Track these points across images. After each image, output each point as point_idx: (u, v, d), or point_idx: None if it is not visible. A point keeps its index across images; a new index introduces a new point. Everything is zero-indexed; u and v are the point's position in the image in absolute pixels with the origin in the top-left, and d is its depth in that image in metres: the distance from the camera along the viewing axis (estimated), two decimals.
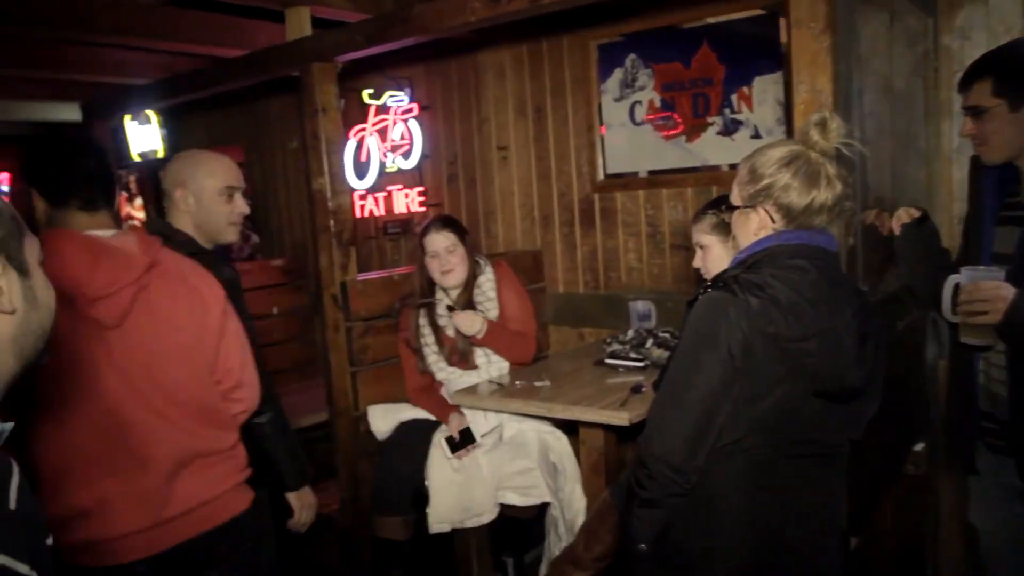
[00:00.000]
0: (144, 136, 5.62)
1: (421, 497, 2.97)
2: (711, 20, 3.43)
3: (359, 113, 4.58)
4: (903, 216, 2.24)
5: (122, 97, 4.57)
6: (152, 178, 5.56)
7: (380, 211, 4.68)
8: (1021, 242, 2.06)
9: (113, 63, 4.38)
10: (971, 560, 2.88)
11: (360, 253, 4.79)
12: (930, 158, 2.97)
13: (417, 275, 3.22)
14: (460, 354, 3.12)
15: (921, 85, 2.92)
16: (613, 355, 3.05)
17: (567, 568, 2.65)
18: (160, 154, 5.56)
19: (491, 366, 3.14)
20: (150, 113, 5.50)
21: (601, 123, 3.79)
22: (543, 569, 2.96)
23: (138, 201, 6.06)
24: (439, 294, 3.21)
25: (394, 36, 2.90)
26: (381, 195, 4.65)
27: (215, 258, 2.29)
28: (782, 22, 3.14)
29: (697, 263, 2.38)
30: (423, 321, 3.19)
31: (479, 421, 2.98)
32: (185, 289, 1.90)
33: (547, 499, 2.85)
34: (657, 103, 3.62)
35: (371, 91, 4.50)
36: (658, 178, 3.67)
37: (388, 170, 4.57)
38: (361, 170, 4.59)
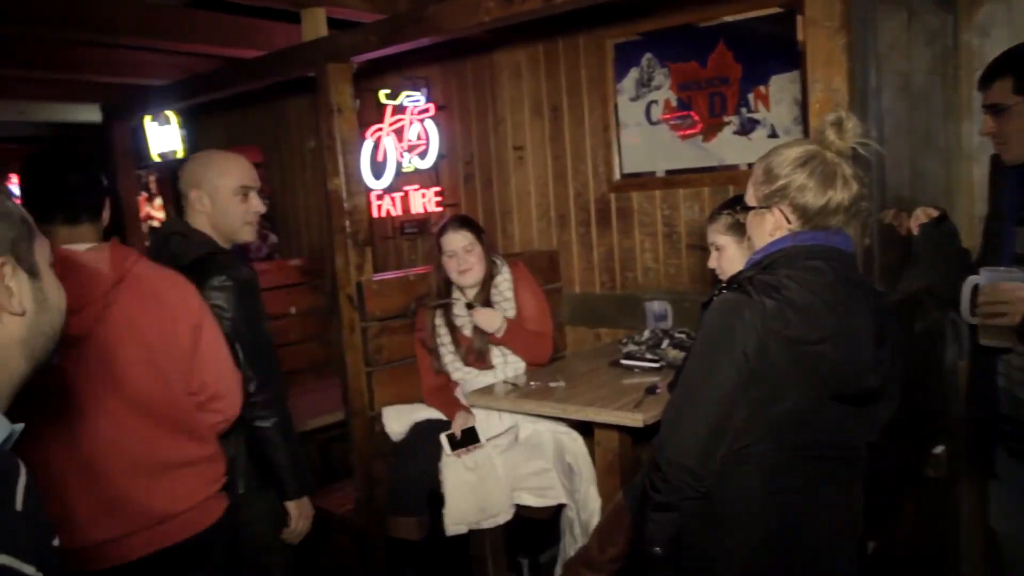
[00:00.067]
0: (164, 136, 5.67)
1: (436, 497, 2.97)
2: (728, 19, 3.40)
3: (376, 113, 4.59)
4: (921, 216, 2.21)
5: (141, 98, 4.61)
6: (172, 178, 5.60)
7: (397, 211, 4.69)
8: None
9: (132, 64, 4.42)
10: (991, 565, 2.84)
11: (377, 253, 4.81)
12: (950, 157, 2.93)
13: (434, 275, 3.23)
14: (477, 353, 3.12)
15: (940, 83, 2.89)
16: (628, 356, 3.04)
17: (581, 570, 2.64)
18: (180, 154, 5.61)
19: (507, 366, 3.14)
20: (170, 114, 5.54)
21: (617, 123, 3.78)
22: (558, 570, 2.95)
23: (158, 201, 6.11)
24: (455, 294, 3.21)
25: (408, 36, 2.91)
26: (398, 195, 4.65)
27: (233, 258, 2.30)
28: (799, 20, 3.11)
29: (712, 263, 2.37)
30: (439, 321, 3.19)
31: (494, 421, 2.98)
32: (155, 303, 1.91)
33: (563, 500, 2.85)
34: (673, 102, 3.60)
35: (388, 91, 4.51)
36: (674, 178, 3.65)
37: (405, 170, 4.57)
38: (378, 170, 4.60)
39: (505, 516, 2.88)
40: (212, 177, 2.32)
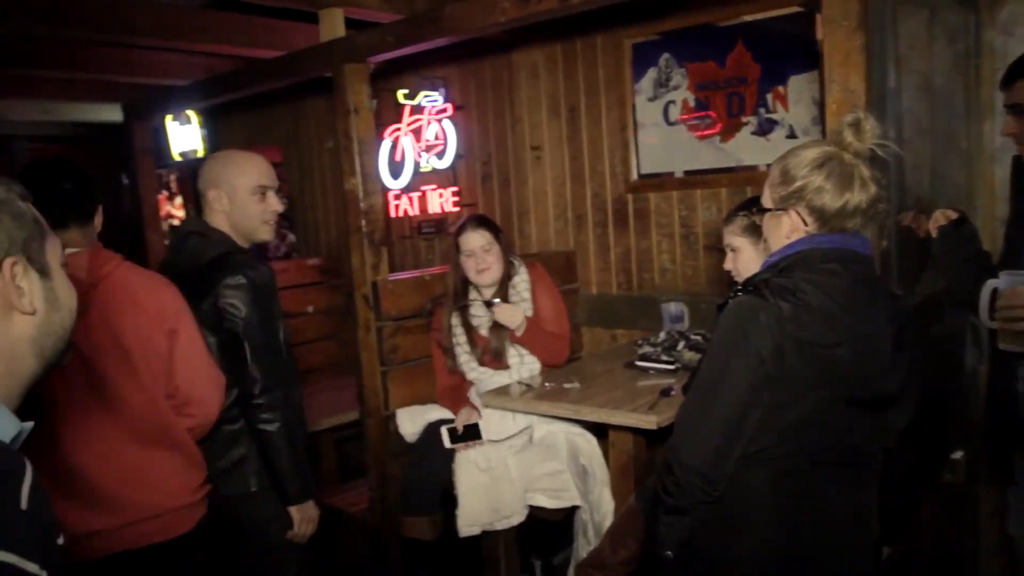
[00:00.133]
0: (185, 136, 5.72)
1: (449, 497, 2.98)
2: (747, 18, 3.38)
3: (394, 113, 4.60)
4: (940, 218, 2.18)
5: (161, 98, 4.65)
6: (192, 177, 5.65)
7: (414, 211, 4.70)
8: None
9: (153, 65, 4.46)
10: (1010, 572, 2.80)
11: (395, 253, 4.83)
12: (971, 158, 2.90)
13: (451, 274, 3.23)
14: (493, 353, 3.12)
15: (962, 83, 2.85)
16: (644, 357, 3.03)
17: (593, 572, 2.63)
18: (200, 153, 5.65)
19: (523, 367, 3.14)
20: (191, 113, 5.59)
21: (635, 123, 3.76)
22: (570, 573, 2.94)
23: (178, 200, 6.16)
24: (472, 294, 3.22)
25: (425, 37, 2.91)
26: (415, 195, 4.66)
27: (250, 257, 2.31)
28: (818, 19, 3.08)
29: (728, 265, 2.35)
30: (455, 321, 3.20)
31: (508, 422, 2.97)
32: (131, 307, 1.94)
33: (577, 502, 2.84)
34: (691, 103, 3.59)
35: (406, 91, 4.52)
36: (692, 178, 3.63)
37: (422, 170, 4.58)
38: (396, 170, 4.62)
39: (519, 517, 2.88)
40: (231, 176, 2.33)
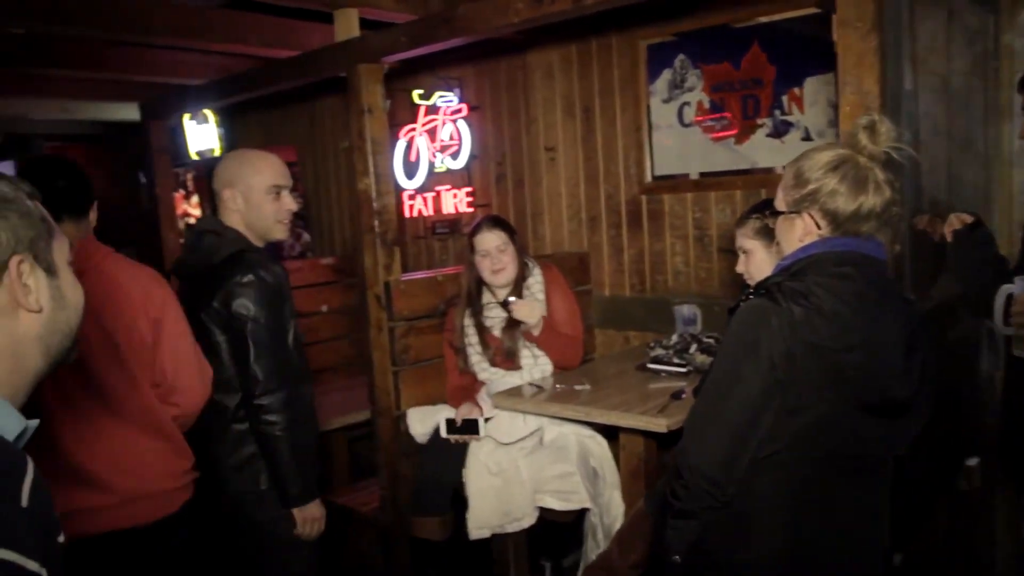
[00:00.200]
0: (202, 135, 5.75)
1: (459, 498, 2.98)
2: (763, 19, 3.36)
3: (409, 113, 4.61)
4: (954, 222, 2.16)
5: (178, 97, 4.68)
6: (209, 176, 5.68)
7: (429, 211, 4.70)
8: None
9: (170, 64, 4.49)
10: None
11: (408, 253, 4.83)
12: (989, 161, 2.87)
13: (466, 275, 3.23)
14: (506, 353, 3.12)
15: (980, 85, 2.83)
16: (656, 360, 3.01)
17: (601, 575, 2.62)
18: (217, 152, 5.68)
19: (535, 368, 3.13)
20: (208, 112, 5.62)
21: (649, 124, 3.75)
22: (579, 575, 2.94)
23: (194, 199, 6.20)
24: (486, 295, 3.21)
25: (438, 37, 2.91)
26: (430, 195, 4.67)
27: (262, 257, 2.32)
28: (834, 20, 3.06)
29: (740, 268, 2.34)
30: (468, 321, 3.20)
31: (519, 424, 2.97)
32: (116, 296, 1.98)
33: (586, 504, 2.83)
34: (706, 104, 3.57)
35: (421, 91, 4.53)
36: (706, 180, 3.62)
37: (437, 170, 4.59)
38: (411, 170, 4.63)
39: (529, 520, 2.88)
40: (245, 176, 2.34)
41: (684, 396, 2.57)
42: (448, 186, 4.60)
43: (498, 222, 3.19)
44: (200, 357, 2.14)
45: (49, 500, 0.87)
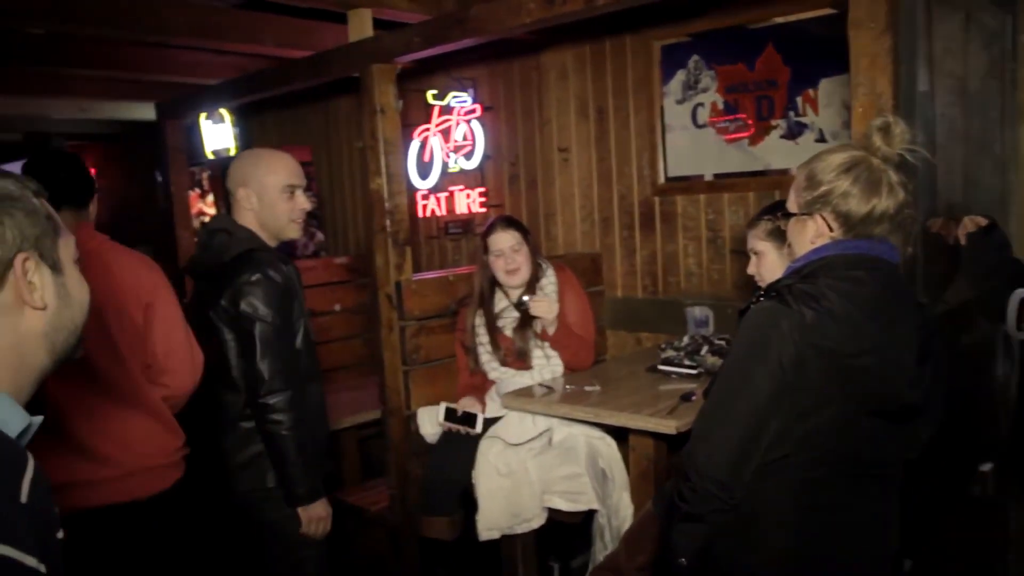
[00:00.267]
0: (218, 134, 5.78)
1: (468, 498, 2.97)
2: (779, 20, 3.34)
3: (423, 114, 4.62)
4: (968, 225, 2.14)
5: (193, 97, 4.71)
6: (224, 175, 5.71)
7: (442, 211, 4.71)
8: None
9: (186, 64, 4.52)
10: None
11: (421, 253, 4.84)
12: (1005, 164, 2.84)
13: (479, 275, 3.23)
14: (517, 353, 3.12)
15: (997, 87, 2.80)
16: (666, 361, 3.00)
17: None
18: (233, 152, 5.71)
19: (545, 368, 3.13)
20: (224, 112, 5.65)
21: (663, 125, 3.74)
22: None
23: (210, 198, 6.23)
24: (498, 295, 3.21)
25: (451, 37, 2.91)
26: (443, 195, 4.68)
27: (272, 256, 2.32)
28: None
29: (751, 270, 2.33)
30: (479, 321, 3.20)
31: (528, 425, 2.97)
32: (107, 280, 2.04)
33: (594, 506, 2.82)
34: (720, 105, 3.55)
35: (435, 92, 4.53)
36: (720, 182, 3.60)
37: (450, 170, 4.59)
38: (424, 170, 4.64)
39: (538, 521, 2.87)
40: (260, 175, 2.35)
41: (694, 398, 2.56)
42: (461, 186, 4.60)
43: (512, 222, 3.19)
44: (192, 342, 2.22)
45: (49, 496, 0.87)
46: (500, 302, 3.21)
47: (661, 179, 3.77)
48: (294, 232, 2.43)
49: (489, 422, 3.05)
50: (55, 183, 2.05)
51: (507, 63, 4.33)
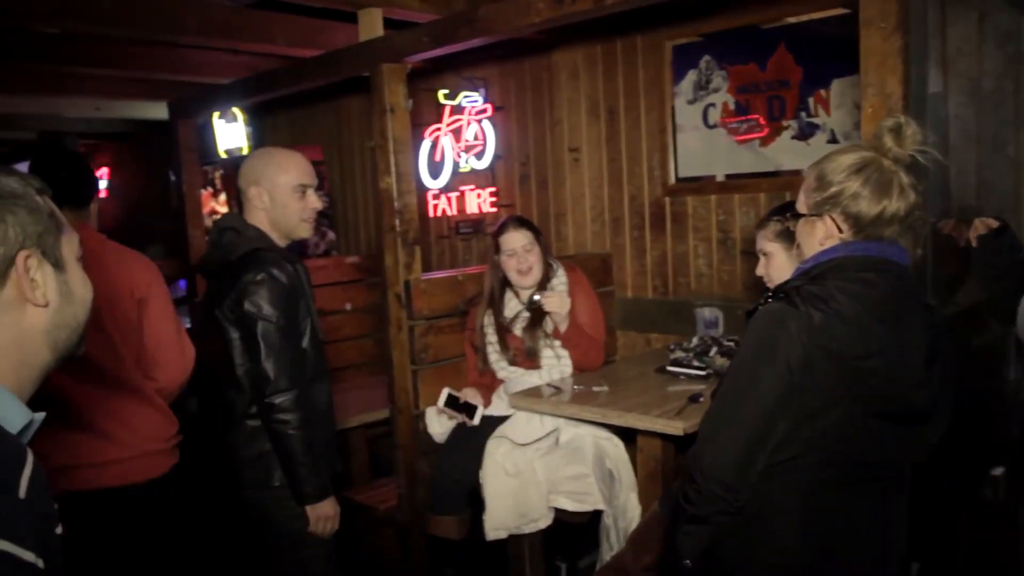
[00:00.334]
0: (231, 133, 5.80)
1: (476, 497, 2.97)
2: (791, 20, 3.33)
3: (435, 113, 4.62)
4: (979, 227, 2.12)
5: (204, 96, 4.73)
6: (236, 174, 5.73)
7: (452, 211, 4.71)
8: None
9: (198, 63, 4.54)
10: None
11: (432, 252, 4.84)
12: (1020, 165, 2.81)
13: (490, 275, 3.22)
14: (526, 353, 3.11)
15: (1012, 87, 2.77)
16: (675, 362, 3.00)
17: None
18: (245, 151, 5.73)
19: (555, 368, 3.13)
20: (237, 111, 5.67)
21: (674, 126, 3.72)
22: None
23: (222, 197, 6.26)
24: (508, 295, 3.21)
25: (460, 37, 2.91)
26: (454, 195, 4.68)
27: (278, 256, 2.31)
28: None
29: (760, 271, 2.31)
30: (487, 320, 3.20)
31: (535, 425, 2.96)
32: (101, 275, 2.08)
33: (600, 506, 2.81)
34: (731, 106, 3.54)
35: (446, 91, 4.54)
36: (730, 183, 3.59)
37: (461, 170, 4.60)
38: (435, 170, 4.64)
39: (545, 521, 2.87)
40: (271, 174, 2.35)
41: (702, 399, 2.55)
42: (472, 186, 4.60)
43: (524, 222, 3.20)
44: (183, 338, 2.32)
45: (48, 492, 0.87)
46: (510, 302, 3.21)
47: (672, 179, 3.76)
48: (305, 231, 2.43)
49: (497, 421, 3.05)
50: (56, 182, 2.10)
51: (518, 63, 4.33)
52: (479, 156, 4.50)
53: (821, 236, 1.63)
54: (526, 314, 3.15)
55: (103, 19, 3.41)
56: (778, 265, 2.23)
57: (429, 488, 3.17)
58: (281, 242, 2.38)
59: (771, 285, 2.20)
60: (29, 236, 0.95)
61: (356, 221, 5.55)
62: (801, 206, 1.68)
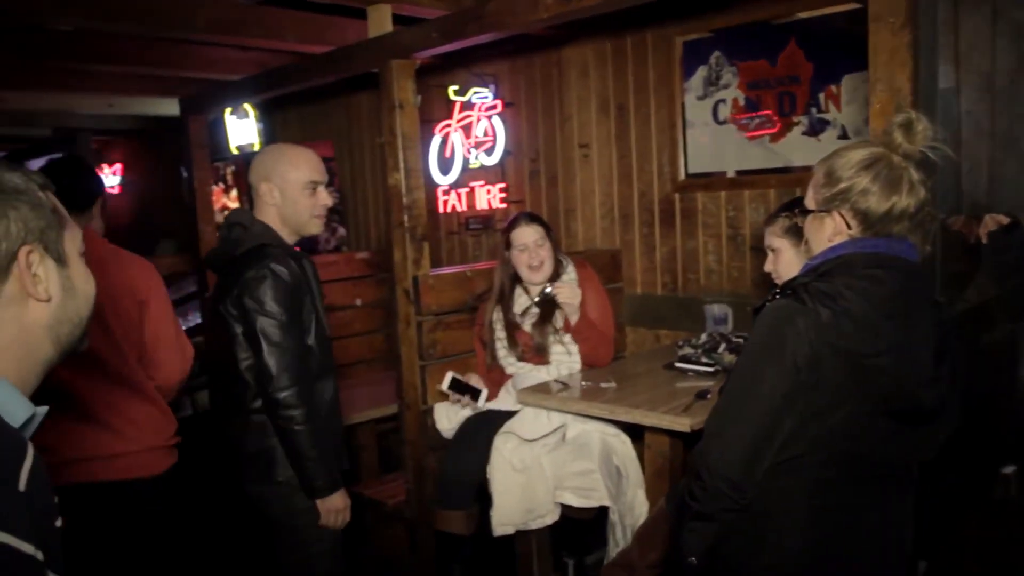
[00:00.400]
0: (242, 129, 5.82)
1: (484, 493, 2.98)
2: (802, 15, 3.30)
3: (445, 109, 4.62)
4: (989, 223, 2.11)
5: (215, 93, 4.74)
6: (247, 170, 5.75)
7: (462, 207, 4.72)
8: None
9: (208, 60, 4.55)
10: None
11: (442, 248, 4.85)
12: None
13: (500, 271, 3.23)
14: (535, 349, 3.12)
15: None
16: (683, 359, 2.99)
17: (620, 573, 2.61)
18: (256, 147, 5.74)
19: (564, 364, 3.13)
20: (248, 107, 5.68)
21: (684, 122, 3.71)
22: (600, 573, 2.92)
23: (234, 193, 6.29)
24: (518, 291, 3.21)
25: (469, 33, 2.91)
26: (464, 191, 4.68)
27: (281, 250, 2.30)
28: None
29: (768, 267, 2.31)
30: (496, 316, 3.20)
31: (542, 421, 2.96)
32: (102, 277, 2.08)
33: (605, 502, 2.80)
34: (741, 102, 3.52)
35: (456, 88, 4.54)
36: (740, 179, 3.57)
37: (471, 166, 4.60)
38: (445, 166, 4.64)
39: (552, 517, 2.87)
40: (282, 171, 2.35)
41: (709, 396, 2.54)
42: (482, 182, 4.60)
43: (535, 218, 3.20)
44: (182, 338, 2.40)
45: (48, 485, 0.88)
46: (519, 298, 3.21)
47: (681, 176, 3.75)
48: (316, 228, 2.43)
49: (504, 416, 3.05)
50: (57, 188, 2.14)
51: (528, 59, 4.33)
52: (489, 152, 4.50)
53: (830, 232, 1.62)
54: (535, 310, 3.15)
55: (115, 16, 3.43)
56: (786, 261, 2.22)
57: (437, 483, 3.17)
58: (292, 238, 2.38)
59: (779, 281, 2.19)
60: (31, 231, 0.96)
61: (366, 217, 5.56)
62: (810, 202, 1.67)
